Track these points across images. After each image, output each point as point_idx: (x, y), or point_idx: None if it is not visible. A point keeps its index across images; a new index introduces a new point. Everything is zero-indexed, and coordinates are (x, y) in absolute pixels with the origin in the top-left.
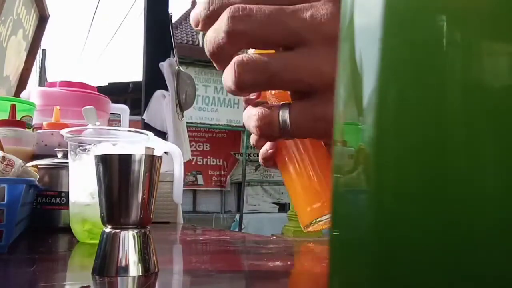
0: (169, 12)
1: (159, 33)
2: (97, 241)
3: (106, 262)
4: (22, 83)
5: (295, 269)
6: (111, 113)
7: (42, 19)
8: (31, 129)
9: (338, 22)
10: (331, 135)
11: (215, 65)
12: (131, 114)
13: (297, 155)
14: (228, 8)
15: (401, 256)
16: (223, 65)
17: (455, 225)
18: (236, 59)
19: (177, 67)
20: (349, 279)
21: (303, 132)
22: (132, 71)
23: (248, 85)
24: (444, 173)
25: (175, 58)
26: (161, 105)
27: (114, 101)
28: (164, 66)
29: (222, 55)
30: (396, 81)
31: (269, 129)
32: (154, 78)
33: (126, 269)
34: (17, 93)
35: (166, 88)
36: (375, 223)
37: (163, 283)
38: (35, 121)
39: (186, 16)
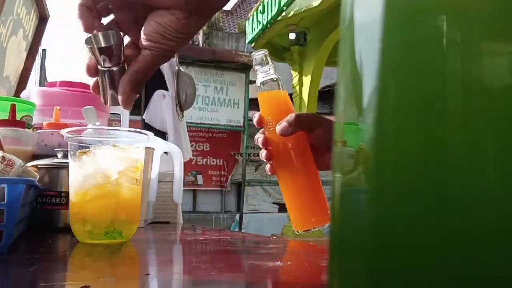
0: None
1: None
2: (97, 241)
3: None
4: (22, 83)
5: (295, 269)
6: (111, 113)
7: (42, 19)
8: (31, 129)
9: None
10: None
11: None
12: (131, 114)
13: (300, 164)
14: None
15: (400, 255)
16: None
17: (454, 225)
18: None
19: (177, 67)
20: (348, 278)
21: None
22: None
23: None
24: (443, 173)
25: (175, 58)
26: (161, 105)
27: None
28: (164, 66)
29: None
30: (396, 81)
31: None
32: (154, 78)
33: None
34: (17, 93)
35: (166, 88)
36: (375, 223)
37: (163, 283)
38: (35, 121)
39: None
